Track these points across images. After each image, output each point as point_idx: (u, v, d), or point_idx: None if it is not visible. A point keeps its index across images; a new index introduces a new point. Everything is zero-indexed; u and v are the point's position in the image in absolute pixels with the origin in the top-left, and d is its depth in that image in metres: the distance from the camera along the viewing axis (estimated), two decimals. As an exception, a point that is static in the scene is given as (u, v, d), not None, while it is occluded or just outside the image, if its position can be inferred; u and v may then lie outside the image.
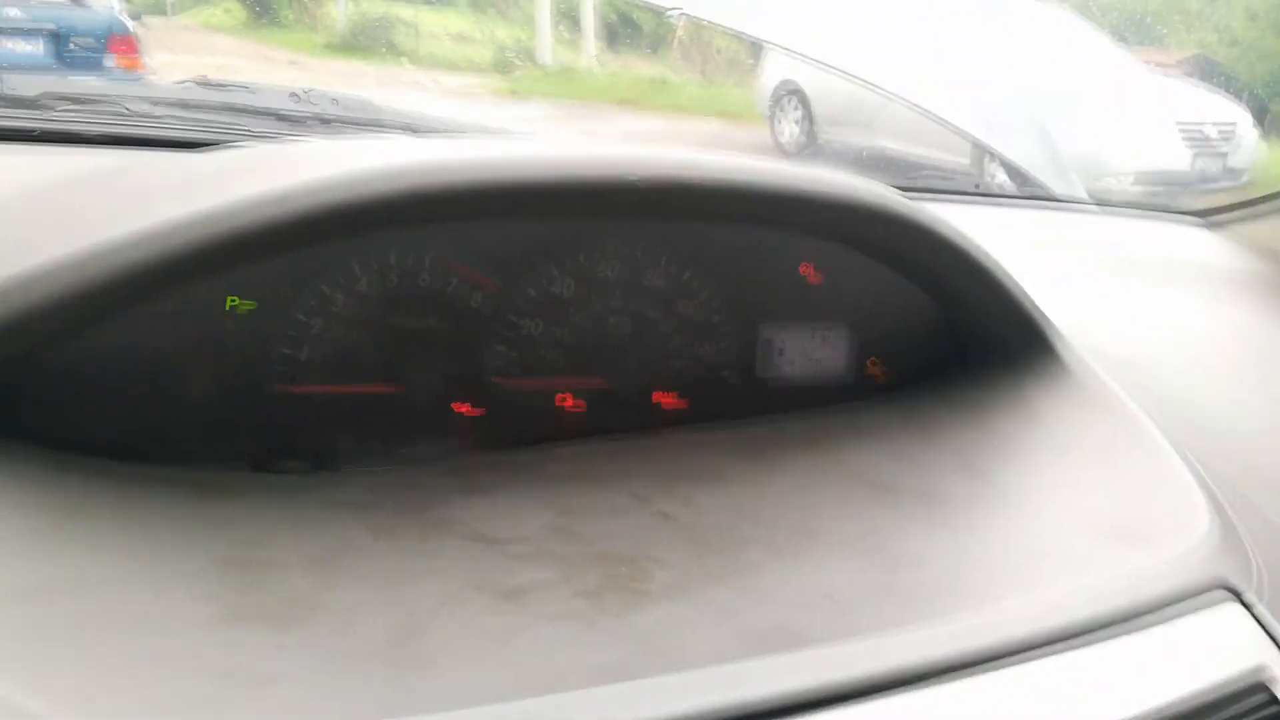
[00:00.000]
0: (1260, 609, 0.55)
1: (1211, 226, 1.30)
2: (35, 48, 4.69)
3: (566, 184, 0.60)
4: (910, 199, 0.70)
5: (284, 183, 0.54)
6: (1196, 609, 0.53)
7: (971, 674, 0.47)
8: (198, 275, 0.55)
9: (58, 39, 4.69)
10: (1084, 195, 1.44)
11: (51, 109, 0.90)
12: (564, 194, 0.61)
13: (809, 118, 6.17)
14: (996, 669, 0.47)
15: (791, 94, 6.35)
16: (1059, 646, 0.49)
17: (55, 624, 0.43)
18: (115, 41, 4.84)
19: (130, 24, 5.04)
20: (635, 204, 0.64)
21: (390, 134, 0.98)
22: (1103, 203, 1.42)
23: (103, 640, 0.43)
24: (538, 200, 0.61)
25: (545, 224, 0.67)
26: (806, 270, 0.74)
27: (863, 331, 0.77)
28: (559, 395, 0.70)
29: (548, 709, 0.41)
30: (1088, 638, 0.50)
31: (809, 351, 0.76)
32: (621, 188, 0.61)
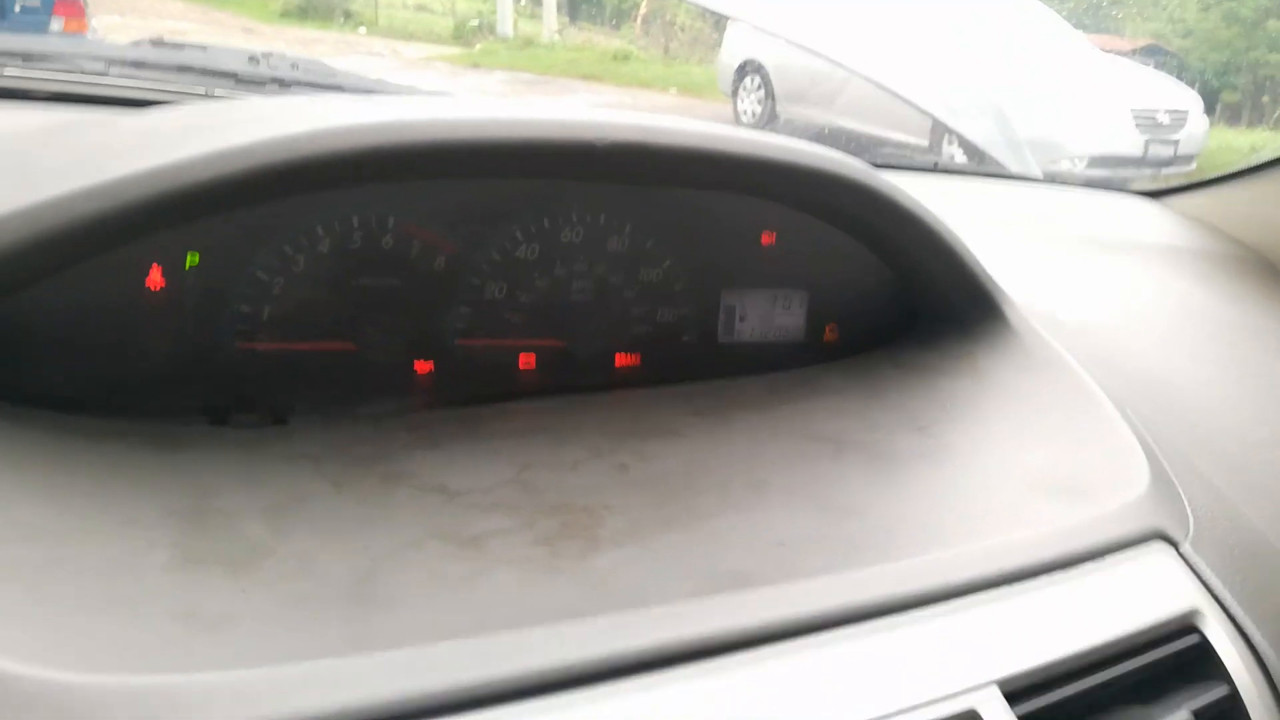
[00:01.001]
0: (1195, 558, 0.58)
1: (1160, 204, 1.33)
2: (-24, 8, 4.55)
3: (530, 144, 0.60)
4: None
5: (243, 137, 0.54)
6: (1133, 556, 0.56)
7: (909, 613, 0.48)
8: (154, 229, 0.55)
9: (1, -1, 4.55)
10: (1038, 173, 1.47)
11: (0, 66, 0.88)
12: (527, 154, 0.61)
13: (770, 95, 6.19)
14: (934, 610, 0.49)
15: (754, 72, 6.36)
16: (998, 590, 0.51)
17: (9, 571, 0.43)
18: (60, 3, 4.71)
19: (78, -15, 4.90)
20: (599, 167, 0.64)
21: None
22: (1056, 181, 1.45)
23: (59, 585, 0.43)
24: (500, 160, 0.61)
25: (508, 185, 0.68)
26: (768, 238, 0.75)
27: (820, 297, 0.78)
28: (521, 356, 0.71)
29: (506, 645, 0.42)
30: (1026, 583, 0.52)
31: (768, 317, 0.78)
32: (585, 150, 0.61)
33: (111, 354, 0.59)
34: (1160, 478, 0.62)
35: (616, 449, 0.62)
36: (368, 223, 0.64)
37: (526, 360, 0.71)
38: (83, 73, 0.90)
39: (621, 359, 0.74)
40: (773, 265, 0.77)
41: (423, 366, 0.68)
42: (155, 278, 0.60)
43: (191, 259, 0.60)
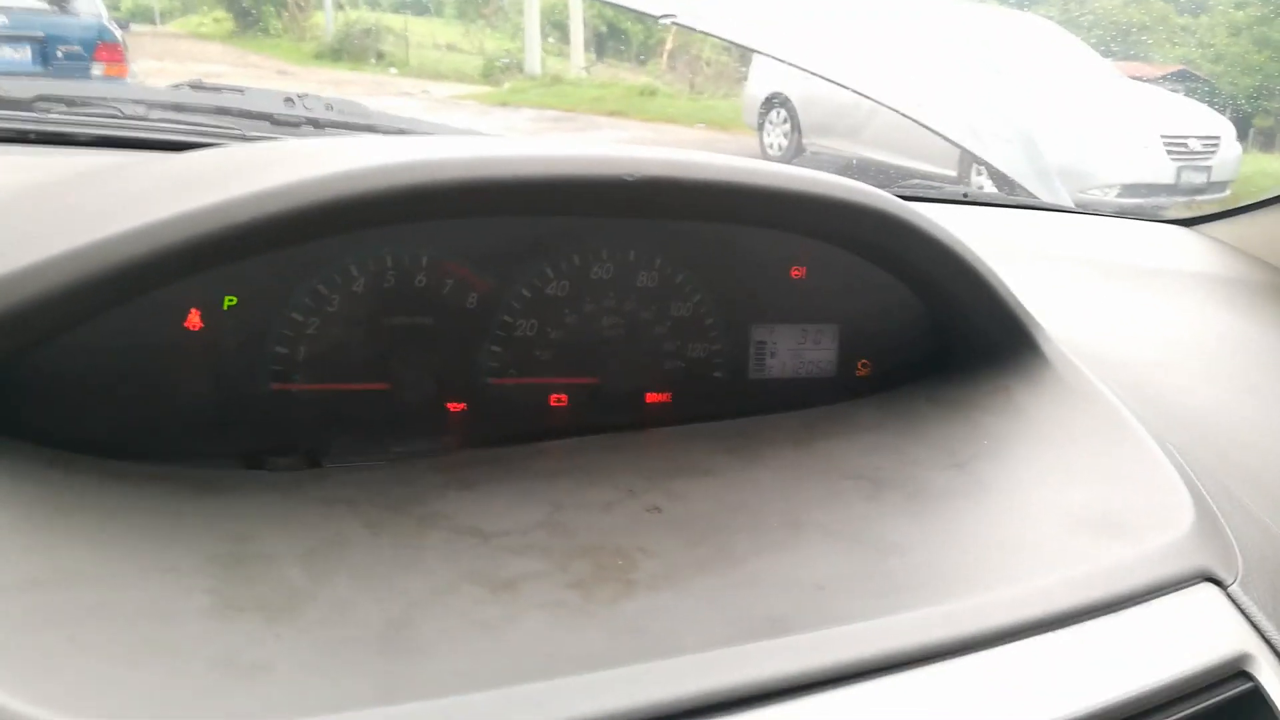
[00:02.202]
0: (1244, 598, 0.56)
1: (1195, 232, 1.32)
2: (22, 54, 4.69)
3: (561, 181, 0.61)
4: None
5: (280, 179, 0.54)
6: (1180, 598, 0.54)
7: (952, 659, 0.47)
8: (193, 272, 0.56)
9: (45, 45, 4.69)
10: (1069, 203, 1.46)
11: (46, 111, 0.91)
12: (558, 191, 0.62)
13: (796, 128, 6.21)
14: (976, 655, 0.48)
15: (779, 105, 6.38)
16: (1043, 635, 0.50)
17: (50, 616, 0.43)
18: (102, 49, 4.84)
19: (118, 31, 5.03)
20: (630, 202, 0.64)
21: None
22: (1087, 210, 1.44)
23: (98, 631, 0.43)
24: (532, 197, 0.61)
25: (539, 222, 0.68)
26: (798, 271, 0.75)
27: (851, 332, 0.78)
28: (552, 395, 0.71)
29: (539, 694, 0.41)
30: (1071, 627, 0.50)
31: (799, 352, 0.77)
32: (616, 185, 0.61)
33: (149, 397, 0.60)
34: (1205, 515, 0.61)
35: (649, 489, 0.61)
36: (401, 261, 0.65)
37: (558, 399, 0.71)
38: (124, 116, 0.92)
39: (652, 396, 0.74)
40: (803, 300, 0.76)
41: (455, 406, 0.68)
42: (194, 320, 0.60)
43: (229, 301, 0.61)
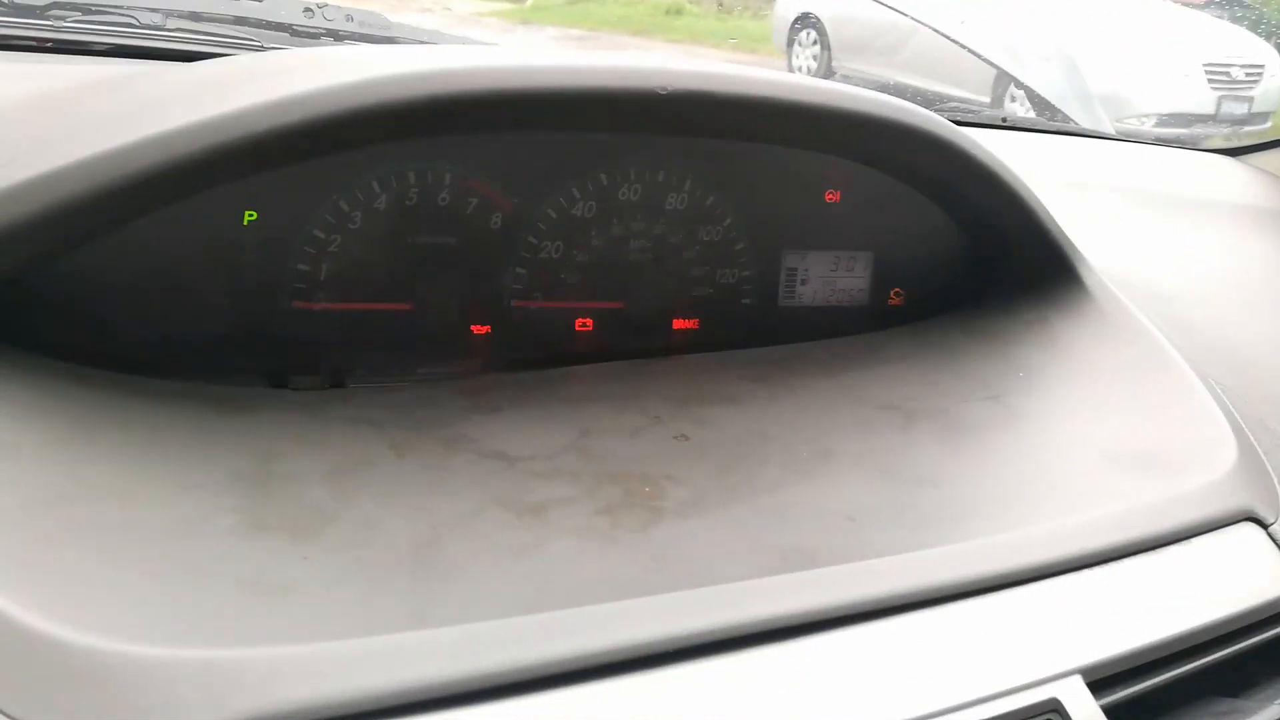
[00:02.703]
0: None
1: (1239, 162, 1.27)
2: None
3: (591, 93, 0.58)
4: None
5: (300, 87, 0.52)
6: (1221, 538, 0.53)
7: (987, 595, 0.46)
8: (212, 183, 0.54)
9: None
10: (1110, 129, 1.41)
11: (60, 19, 0.88)
12: (588, 104, 0.59)
13: (826, 50, 6.05)
14: (1012, 591, 0.47)
15: (809, 25, 6.22)
16: (1079, 572, 0.49)
17: (77, 532, 0.43)
18: (119, -41, 4.73)
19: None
20: (662, 118, 0.62)
21: (406, 50, 0.96)
22: (1129, 138, 1.39)
23: (125, 548, 0.43)
24: (561, 109, 0.59)
25: (566, 140, 0.66)
26: (832, 196, 0.73)
27: (885, 260, 0.76)
28: (577, 319, 0.70)
29: (570, 620, 0.41)
30: (1109, 565, 0.49)
31: (831, 279, 0.75)
32: (649, 98, 0.59)
33: (171, 312, 0.59)
34: (1247, 453, 0.59)
35: (676, 416, 0.60)
36: (424, 178, 0.63)
37: (583, 324, 0.70)
38: (140, 25, 0.90)
39: (679, 323, 0.72)
40: (837, 225, 0.74)
41: (479, 329, 0.67)
42: (213, 235, 0.59)
43: (249, 216, 0.60)
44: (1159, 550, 0.51)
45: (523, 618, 0.40)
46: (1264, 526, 0.55)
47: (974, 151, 0.67)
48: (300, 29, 0.95)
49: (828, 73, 5.93)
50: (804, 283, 0.75)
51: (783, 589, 0.44)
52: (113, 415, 0.52)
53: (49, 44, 0.83)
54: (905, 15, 1.30)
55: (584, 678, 0.39)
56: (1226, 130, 5.09)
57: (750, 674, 0.41)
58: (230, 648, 0.37)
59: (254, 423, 0.55)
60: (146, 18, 0.92)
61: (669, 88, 0.59)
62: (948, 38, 1.32)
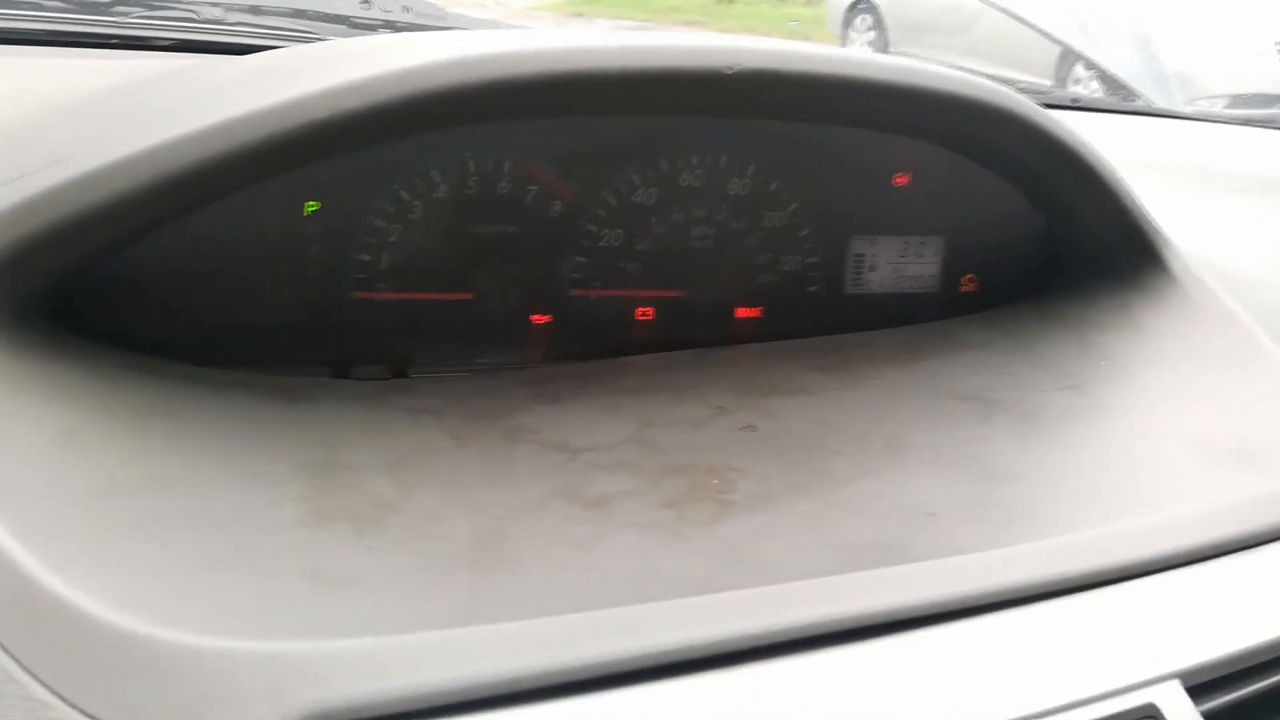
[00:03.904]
0: None
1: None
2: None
3: (653, 74, 0.57)
4: None
5: (359, 73, 0.52)
6: None
7: (1078, 595, 0.44)
8: (274, 170, 0.54)
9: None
10: (1185, 109, 1.36)
11: (124, 15, 0.89)
12: (650, 85, 0.57)
13: (883, 35, 5.96)
14: (1105, 592, 0.45)
15: (865, 11, 6.13)
16: (1175, 571, 0.46)
17: (142, 523, 0.42)
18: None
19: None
20: (726, 100, 0.60)
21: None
22: (1206, 118, 1.34)
23: (190, 539, 0.42)
24: (621, 92, 0.57)
25: (626, 125, 0.64)
26: (901, 179, 0.70)
27: (957, 245, 0.73)
28: (638, 308, 0.68)
29: (639, 617, 0.39)
30: (1206, 564, 0.47)
31: (900, 265, 0.73)
32: (713, 79, 0.57)
33: (233, 303, 0.59)
34: None
35: (740, 407, 0.59)
36: (484, 166, 0.62)
37: (644, 313, 0.69)
38: (200, 20, 0.91)
39: (743, 311, 0.71)
40: (906, 209, 0.71)
41: (540, 318, 0.66)
42: (276, 225, 0.59)
43: (310, 206, 0.59)
44: (1257, 549, 0.48)
45: (588, 614, 0.39)
46: None
47: (1057, 132, 0.64)
48: (358, 20, 0.96)
49: (884, 58, 5.84)
50: (872, 269, 0.73)
51: (863, 586, 0.42)
52: (176, 405, 0.52)
53: (114, 40, 0.84)
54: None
55: (652, 676, 0.38)
56: (1303, 113, 4.90)
57: (827, 675, 0.39)
58: (292, 640, 0.36)
59: (316, 413, 0.55)
60: (207, 12, 0.93)
61: (735, 67, 0.57)
62: (1015, 17, 1.28)
